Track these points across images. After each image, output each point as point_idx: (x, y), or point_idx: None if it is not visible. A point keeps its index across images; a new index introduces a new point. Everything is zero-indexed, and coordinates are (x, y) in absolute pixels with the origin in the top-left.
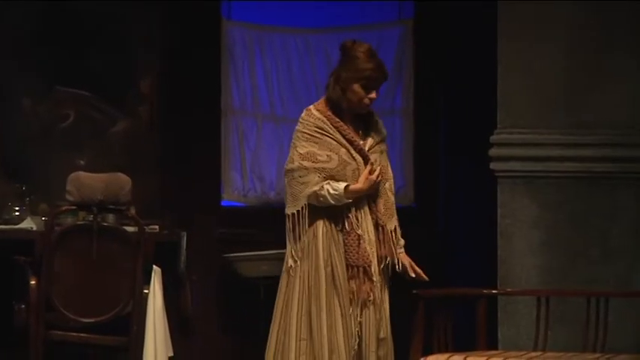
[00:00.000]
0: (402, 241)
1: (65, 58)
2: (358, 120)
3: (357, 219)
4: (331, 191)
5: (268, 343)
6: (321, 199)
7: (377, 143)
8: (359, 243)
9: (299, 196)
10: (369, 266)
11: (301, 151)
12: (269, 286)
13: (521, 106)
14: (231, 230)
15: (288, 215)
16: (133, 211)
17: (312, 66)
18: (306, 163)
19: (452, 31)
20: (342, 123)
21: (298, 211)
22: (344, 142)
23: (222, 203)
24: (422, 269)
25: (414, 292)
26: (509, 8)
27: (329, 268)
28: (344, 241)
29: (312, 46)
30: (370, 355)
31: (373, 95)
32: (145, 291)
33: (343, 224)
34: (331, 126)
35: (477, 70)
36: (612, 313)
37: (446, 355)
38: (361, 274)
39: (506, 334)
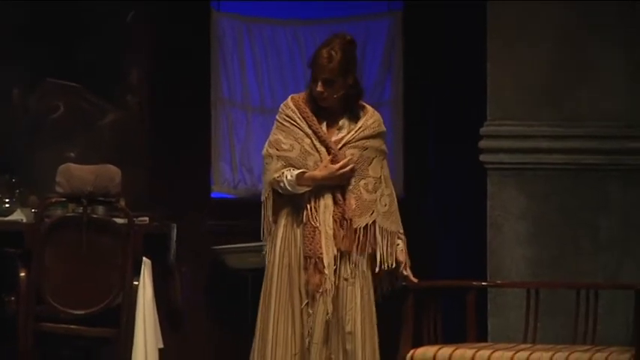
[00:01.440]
0: (399, 241)
1: (55, 50)
2: (345, 113)
3: (316, 210)
4: (288, 177)
5: None
6: (281, 184)
7: (359, 139)
8: (314, 235)
9: (265, 183)
10: (320, 259)
11: (271, 139)
12: (257, 277)
13: (511, 98)
14: (221, 222)
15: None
16: (122, 202)
17: (301, 58)
18: (271, 151)
19: (441, 23)
20: (309, 114)
21: (266, 198)
22: (309, 132)
23: (212, 195)
24: (410, 260)
25: (403, 284)
26: (499, 2)
27: (286, 260)
28: (302, 233)
29: (301, 38)
30: (312, 346)
31: (318, 87)
32: (135, 283)
33: (303, 215)
34: (299, 116)
35: (466, 62)
36: (602, 305)
37: (435, 347)
38: (312, 266)
39: (495, 326)
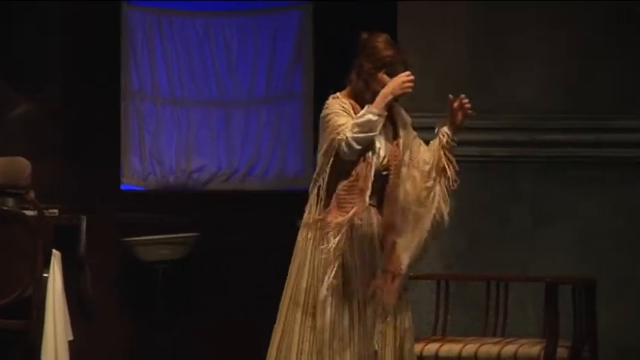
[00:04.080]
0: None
1: None
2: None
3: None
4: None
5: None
6: (358, 128)
7: (408, 133)
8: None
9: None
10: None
11: (341, 122)
12: (168, 270)
13: (424, 89)
14: (131, 214)
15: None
16: (32, 194)
17: (211, 50)
18: (342, 120)
19: (352, 13)
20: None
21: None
22: None
23: (122, 187)
24: None
25: None
26: None
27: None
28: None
29: (211, 30)
30: None
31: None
32: (45, 275)
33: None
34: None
35: None
36: (512, 297)
37: None
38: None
39: None
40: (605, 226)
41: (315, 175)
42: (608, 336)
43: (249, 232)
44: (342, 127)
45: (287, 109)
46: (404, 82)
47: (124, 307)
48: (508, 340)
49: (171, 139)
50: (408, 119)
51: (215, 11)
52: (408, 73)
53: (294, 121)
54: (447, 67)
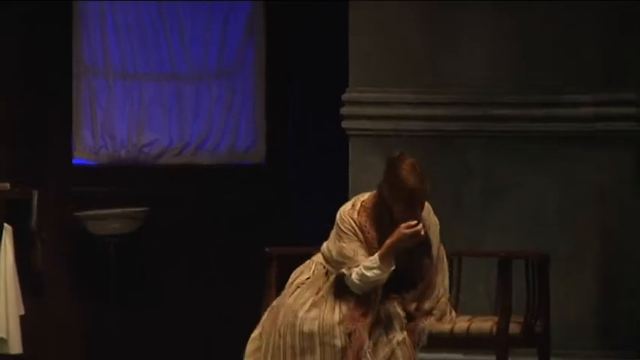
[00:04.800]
0: None
1: None
2: None
3: None
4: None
5: None
6: (365, 281)
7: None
8: None
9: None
10: None
11: (348, 250)
12: (119, 243)
13: (373, 64)
14: (83, 188)
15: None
16: None
17: (163, 24)
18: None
19: None
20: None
21: None
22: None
23: (74, 161)
24: (273, 227)
25: (267, 249)
26: None
27: None
28: None
29: (164, 12)
30: None
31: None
32: None
33: None
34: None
35: (330, 27)
36: (464, 273)
37: None
38: None
39: None
40: (556, 200)
41: (327, 247)
42: (560, 311)
43: (201, 206)
44: (349, 260)
45: (239, 82)
46: (406, 235)
47: (76, 281)
48: (463, 317)
49: (123, 113)
50: (435, 220)
51: None
52: (410, 224)
53: (246, 95)
54: (396, 42)
